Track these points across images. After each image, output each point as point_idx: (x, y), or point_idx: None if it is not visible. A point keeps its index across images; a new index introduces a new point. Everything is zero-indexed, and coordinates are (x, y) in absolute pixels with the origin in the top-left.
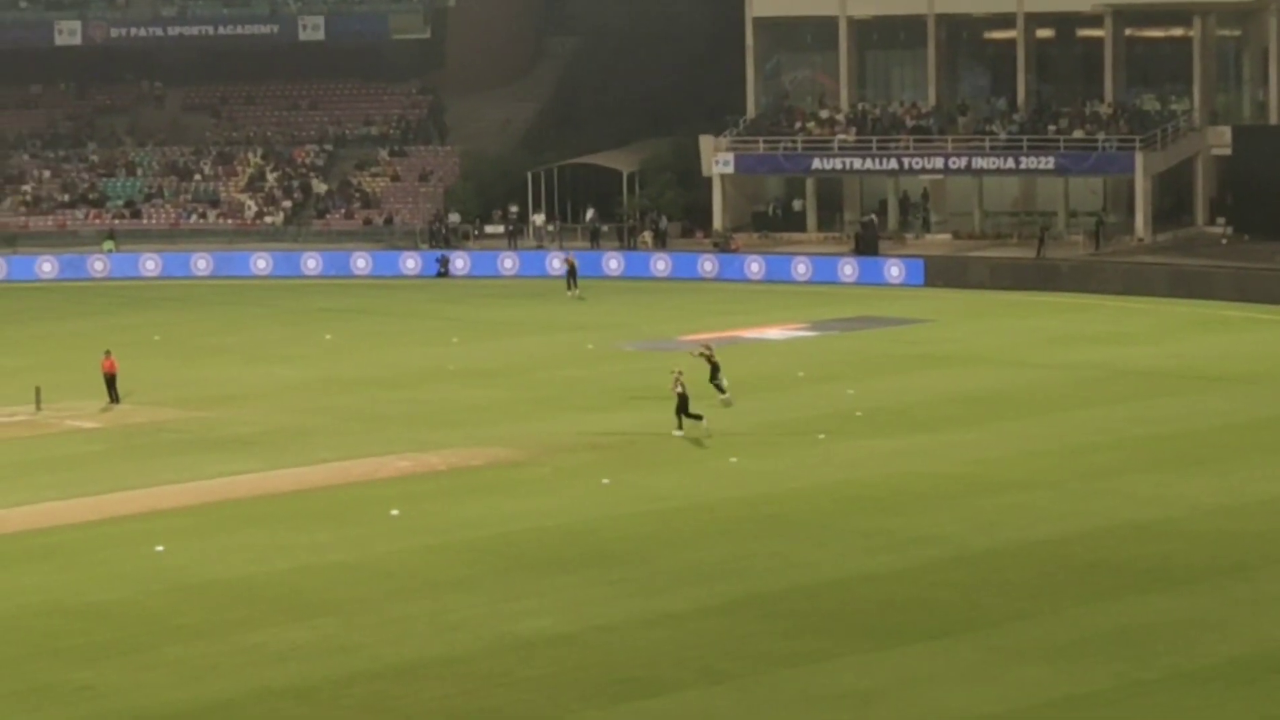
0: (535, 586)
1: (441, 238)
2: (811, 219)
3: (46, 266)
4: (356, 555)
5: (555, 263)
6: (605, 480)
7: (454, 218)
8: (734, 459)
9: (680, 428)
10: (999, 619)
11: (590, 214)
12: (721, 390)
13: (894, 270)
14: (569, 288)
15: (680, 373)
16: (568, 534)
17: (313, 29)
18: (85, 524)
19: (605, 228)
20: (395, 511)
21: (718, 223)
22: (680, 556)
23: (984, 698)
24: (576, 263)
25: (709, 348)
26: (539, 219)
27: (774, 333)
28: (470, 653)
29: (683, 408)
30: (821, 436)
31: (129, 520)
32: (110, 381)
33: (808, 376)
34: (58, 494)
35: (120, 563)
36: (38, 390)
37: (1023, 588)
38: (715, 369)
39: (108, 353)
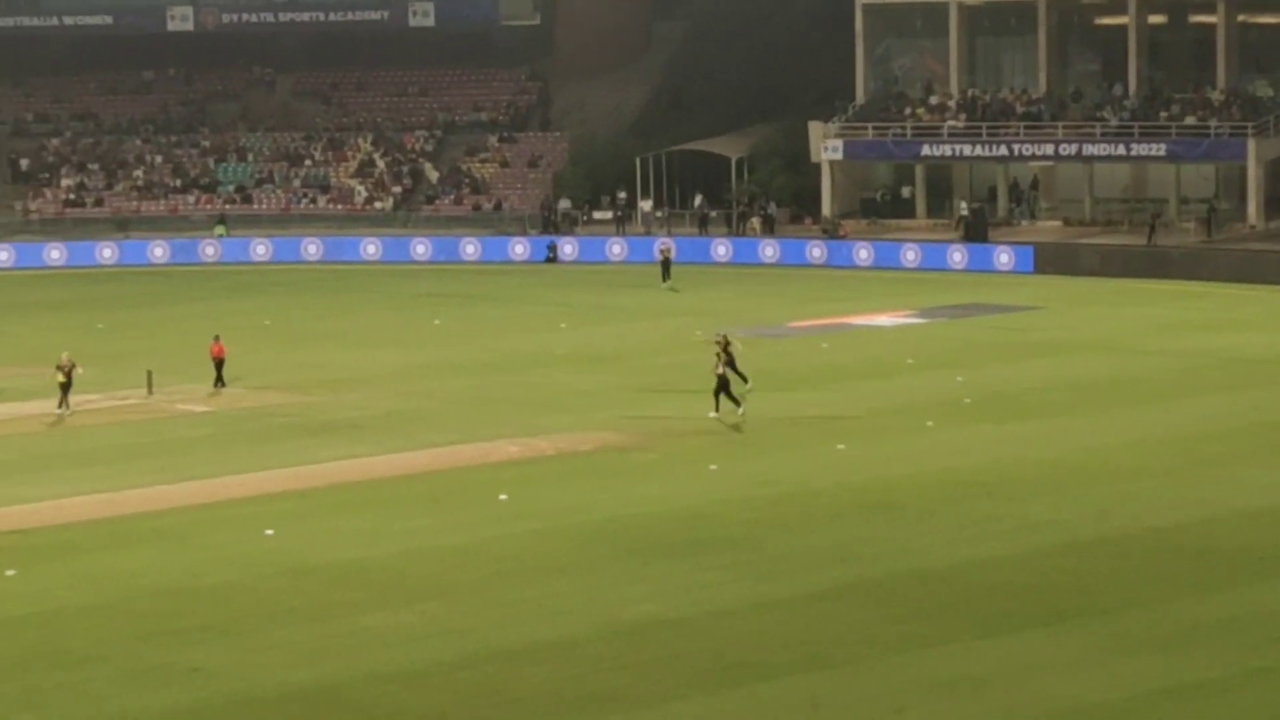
0: (643, 571)
1: (550, 223)
2: (920, 205)
3: (158, 251)
4: (465, 540)
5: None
6: (713, 466)
7: (565, 204)
8: (842, 445)
9: (717, 409)
10: (1110, 606)
11: (698, 200)
12: (743, 382)
13: (1004, 257)
14: (663, 279)
15: (723, 346)
16: (676, 519)
17: (423, 15)
18: (196, 507)
19: (713, 214)
20: (504, 496)
21: (826, 209)
22: (788, 542)
23: (1095, 685)
24: (673, 254)
25: (725, 337)
26: (647, 205)
27: (883, 319)
28: (578, 637)
29: (723, 388)
30: (930, 423)
31: (239, 504)
32: (219, 366)
33: (916, 363)
34: (169, 477)
35: (230, 546)
36: (149, 374)
37: (1134, 575)
38: (731, 360)
39: (217, 337)
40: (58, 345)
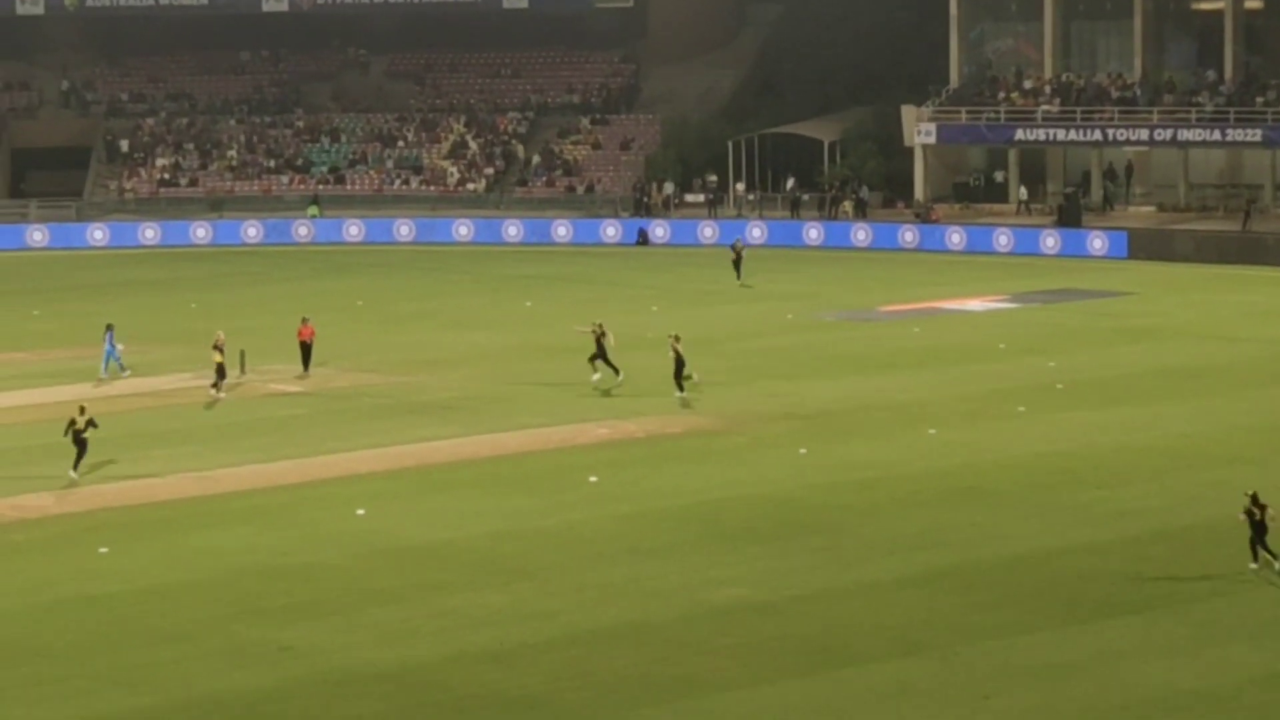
0: (732, 555)
1: (642, 206)
2: (1013, 190)
3: (252, 231)
4: (554, 521)
5: (751, 234)
6: (802, 450)
7: (669, 187)
8: (933, 430)
9: (681, 390)
10: (1200, 595)
11: (790, 183)
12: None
13: (1097, 242)
14: (736, 276)
15: (676, 338)
16: (765, 503)
17: None
18: (288, 487)
19: (805, 197)
20: (594, 478)
21: (919, 193)
22: (877, 527)
23: (1184, 674)
24: (745, 251)
25: (600, 326)
26: (740, 188)
27: (974, 304)
28: (666, 620)
29: (678, 372)
30: (1021, 409)
31: (330, 483)
32: (306, 350)
33: (1008, 348)
34: (261, 457)
35: (322, 525)
36: (242, 354)
37: (1224, 564)
38: (603, 351)
39: (305, 320)
40: (149, 324)
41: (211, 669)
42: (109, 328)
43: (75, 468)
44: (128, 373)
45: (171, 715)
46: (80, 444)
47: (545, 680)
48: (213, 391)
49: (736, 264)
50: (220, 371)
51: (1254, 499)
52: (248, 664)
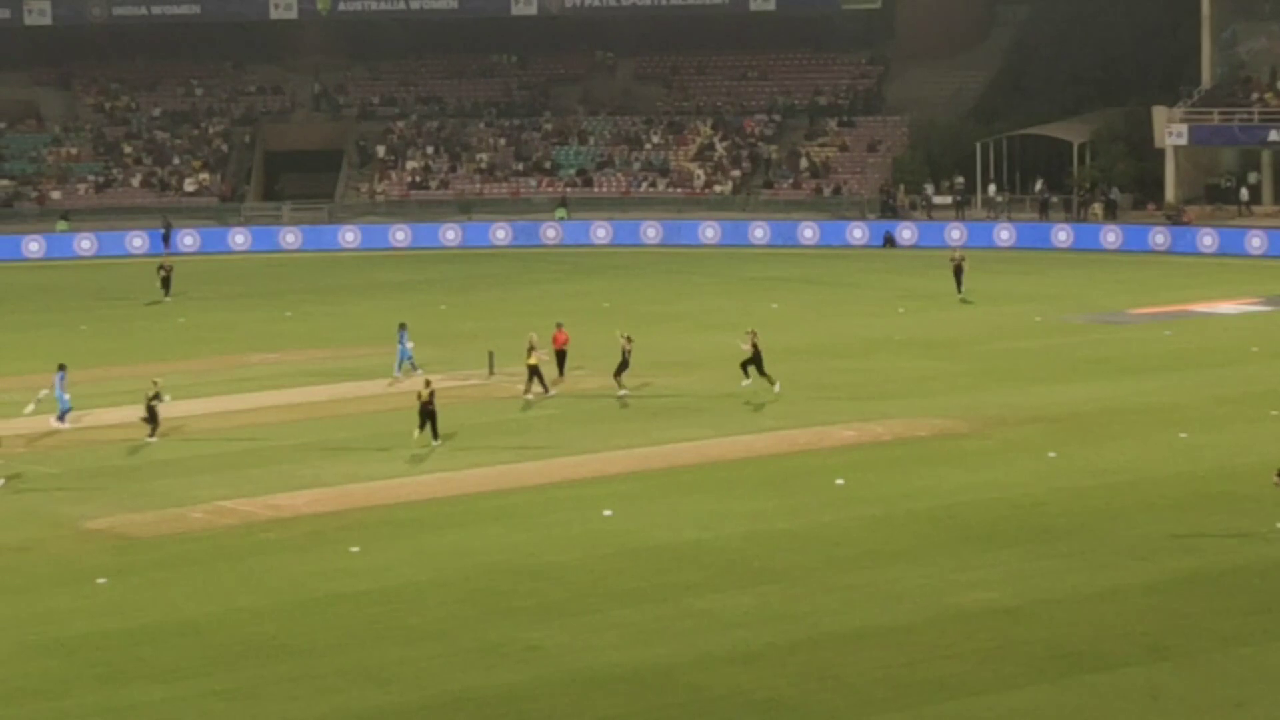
0: (979, 559)
1: (889, 208)
2: (1267, 192)
3: (500, 233)
4: (801, 523)
5: (1000, 236)
6: (1051, 453)
7: (928, 188)
8: (1183, 434)
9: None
10: None
11: (1039, 185)
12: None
13: None
14: (957, 289)
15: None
16: (1012, 507)
17: (764, 0)
18: (536, 487)
19: (1054, 199)
20: (840, 481)
21: (1170, 195)
22: (1127, 531)
23: None
24: (966, 263)
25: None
26: (991, 190)
27: (1227, 307)
28: (913, 623)
29: (753, 362)
30: (1275, 412)
31: (577, 484)
32: (561, 358)
33: (1261, 351)
34: (510, 457)
35: (570, 526)
36: (490, 355)
37: None
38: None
39: (560, 325)
40: (395, 325)
41: (460, 667)
42: (402, 326)
43: (435, 437)
44: (419, 371)
45: (421, 713)
46: (428, 415)
47: (791, 682)
48: (527, 397)
49: (958, 275)
50: (532, 374)
51: None
52: (496, 663)
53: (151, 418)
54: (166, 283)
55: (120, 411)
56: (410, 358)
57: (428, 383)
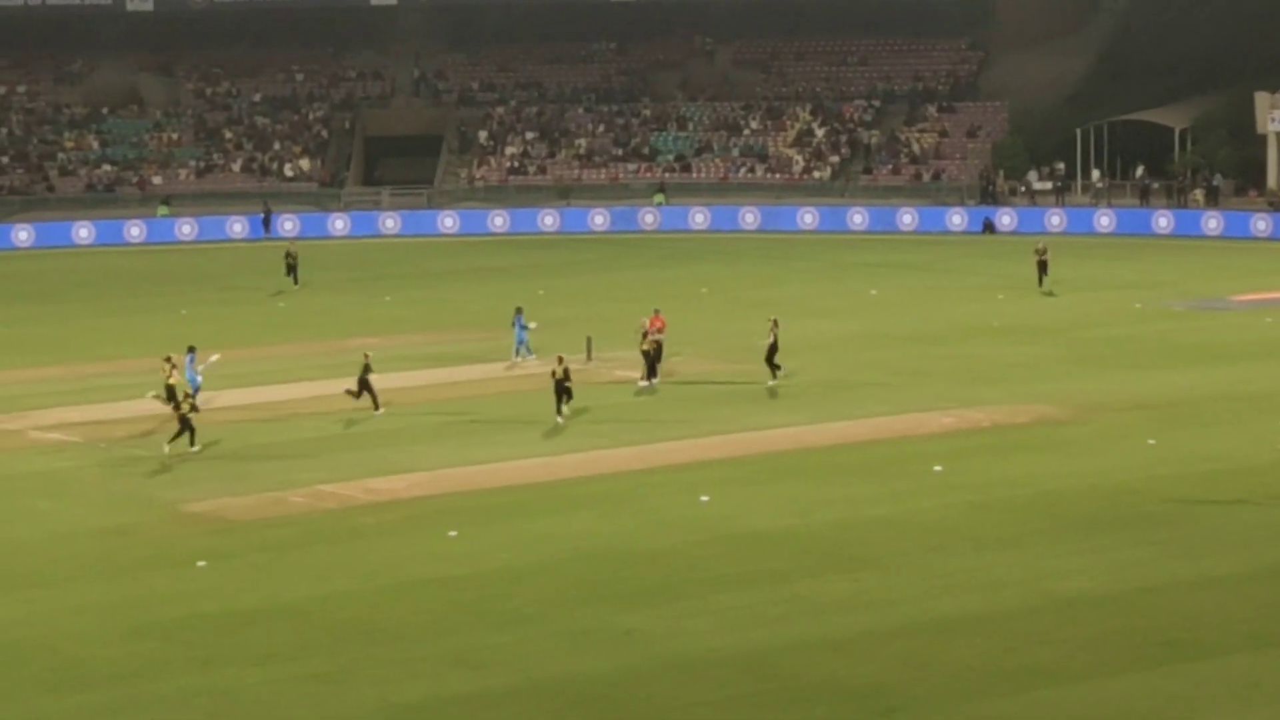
0: (1077, 546)
1: (989, 194)
2: None
3: (598, 219)
4: (898, 510)
5: (1100, 223)
6: (1151, 440)
7: (1032, 175)
8: None
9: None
10: None
11: (1139, 171)
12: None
13: None
14: (1039, 282)
15: (775, 321)
16: (1111, 494)
17: None
18: (632, 472)
19: (1155, 185)
20: (938, 467)
21: (1272, 181)
22: (1226, 519)
23: None
24: (1048, 255)
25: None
26: (1095, 175)
27: None
28: (1011, 611)
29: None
30: None
31: (674, 470)
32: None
33: None
34: (607, 442)
35: (666, 511)
36: (588, 340)
37: None
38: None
39: (657, 311)
40: (500, 311)
41: (556, 652)
42: (518, 311)
43: (560, 413)
44: (533, 357)
45: (517, 697)
46: (564, 391)
47: (887, 669)
48: (643, 383)
49: (1042, 268)
50: (649, 358)
51: None
52: (592, 648)
53: (365, 389)
54: (293, 269)
55: (220, 395)
56: (525, 341)
57: (561, 359)
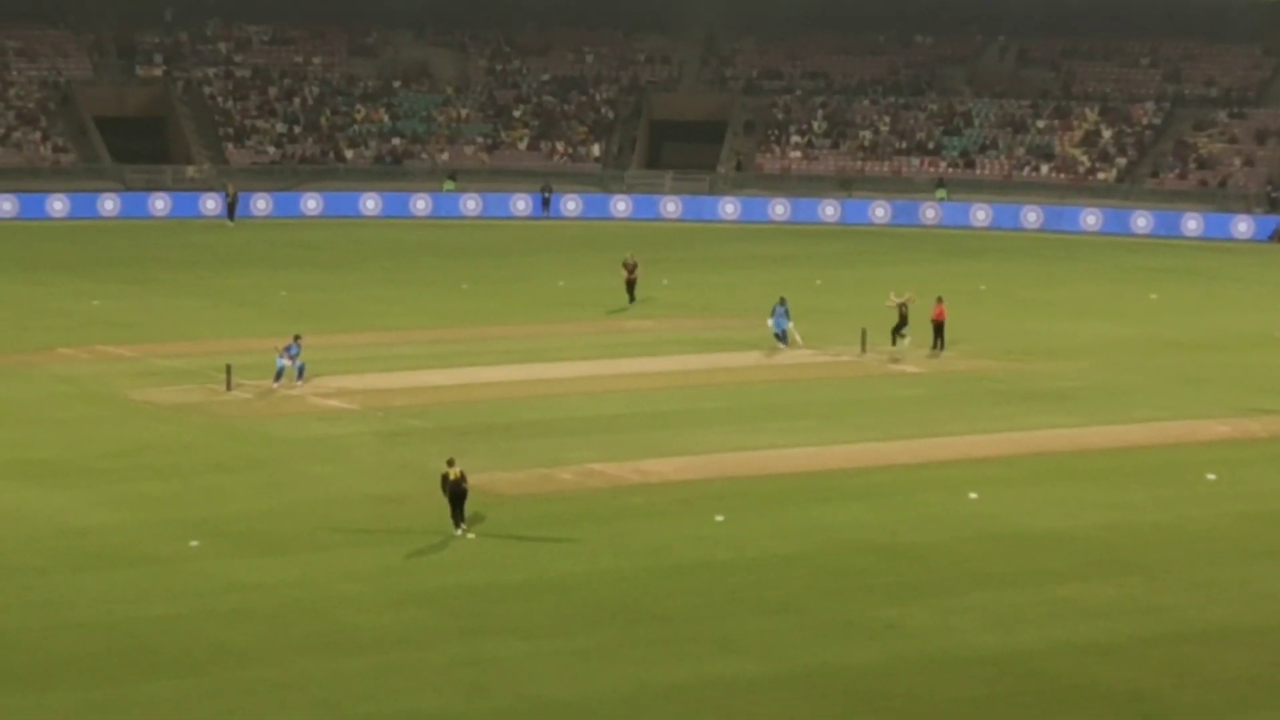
0: None
1: (1276, 202)
2: None
3: (879, 211)
4: (1169, 517)
5: None
6: None
7: None
8: None
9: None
10: None
11: None
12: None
13: None
14: None
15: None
16: None
17: None
18: (901, 466)
19: None
20: (1211, 476)
21: None
22: None
23: None
24: None
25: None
26: None
27: None
28: (1278, 623)
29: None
30: None
31: (944, 466)
32: (938, 329)
33: None
34: (877, 435)
35: (933, 506)
36: (863, 333)
37: None
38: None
39: (939, 299)
40: (769, 299)
41: (818, 642)
42: (781, 300)
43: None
44: (783, 347)
45: (776, 685)
46: (460, 496)
47: (1152, 675)
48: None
49: None
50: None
51: None
52: (853, 639)
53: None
54: (631, 286)
55: (493, 371)
56: (784, 330)
57: (451, 462)
